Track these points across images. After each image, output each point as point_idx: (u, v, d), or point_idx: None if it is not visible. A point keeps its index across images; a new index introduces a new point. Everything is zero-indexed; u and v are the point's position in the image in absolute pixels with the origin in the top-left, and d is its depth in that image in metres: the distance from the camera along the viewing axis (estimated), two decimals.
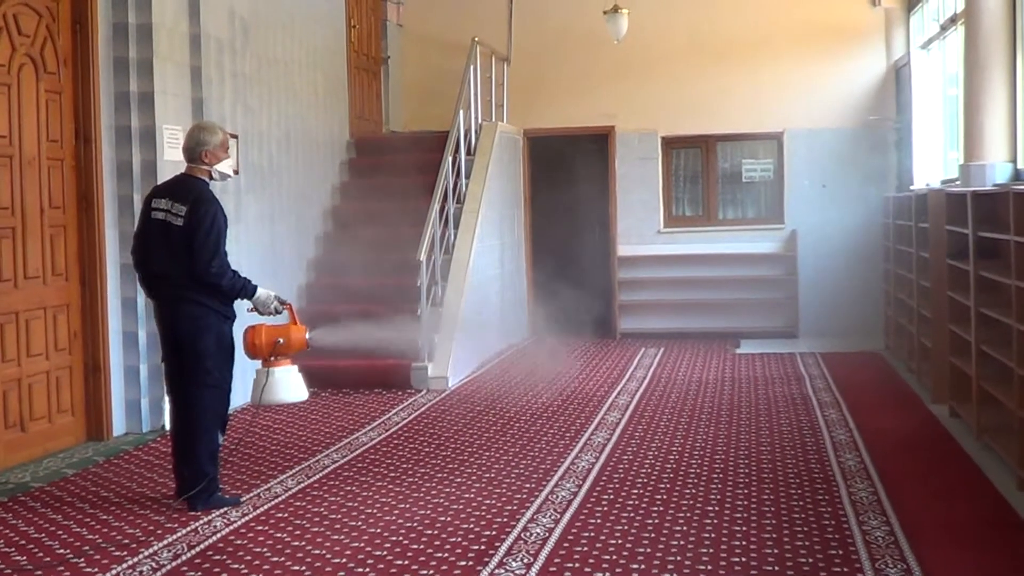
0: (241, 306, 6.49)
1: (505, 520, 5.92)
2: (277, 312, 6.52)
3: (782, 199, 13.55)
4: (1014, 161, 8.43)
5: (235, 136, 9.42)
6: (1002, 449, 6.82)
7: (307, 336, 6.65)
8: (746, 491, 6.39)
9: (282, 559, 5.35)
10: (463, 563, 5.24)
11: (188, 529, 5.86)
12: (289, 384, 6.61)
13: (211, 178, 6.39)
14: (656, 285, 13.62)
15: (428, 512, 6.09)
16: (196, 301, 6.16)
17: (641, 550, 5.37)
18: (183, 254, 6.12)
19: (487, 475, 6.89)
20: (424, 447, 7.73)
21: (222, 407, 6.33)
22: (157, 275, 6.25)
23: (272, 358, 6.52)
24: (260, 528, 5.87)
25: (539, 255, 13.89)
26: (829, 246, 13.26)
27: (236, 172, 8.75)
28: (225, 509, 6.19)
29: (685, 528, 5.71)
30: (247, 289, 6.31)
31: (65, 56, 7.91)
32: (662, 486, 6.54)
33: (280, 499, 6.43)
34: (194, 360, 6.19)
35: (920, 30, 11.88)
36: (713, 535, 5.59)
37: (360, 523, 5.92)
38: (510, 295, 12.99)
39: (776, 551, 5.32)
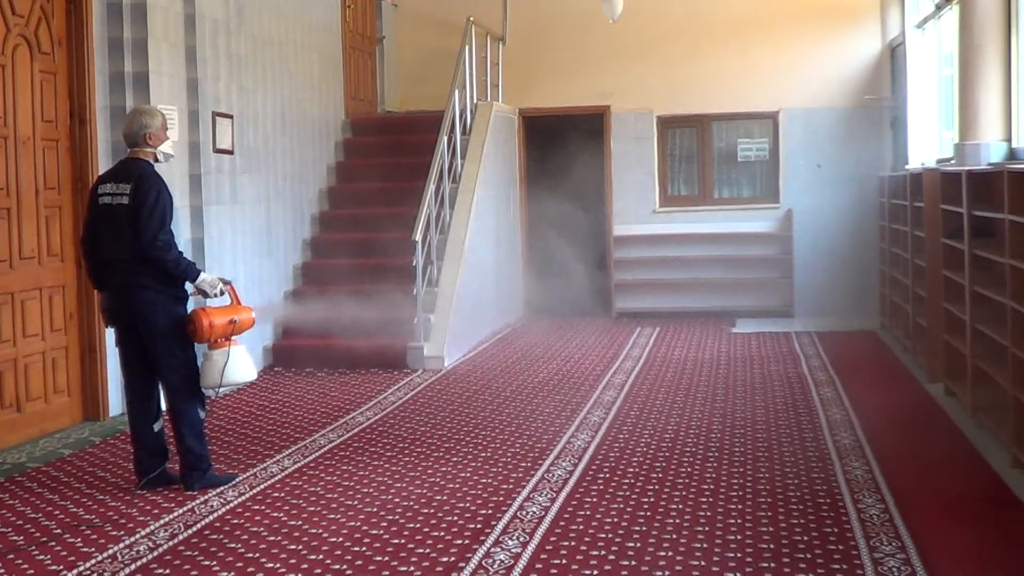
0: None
1: (501, 499, 5.94)
2: (221, 293, 6.45)
3: (777, 178, 13.55)
4: (1009, 140, 8.44)
5: (230, 116, 9.41)
6: (996, 427, 6.85)
7: (253, 315, 6.58)
8: (741, 469, 6.41)
9: (278, 538, 5.37)
10: (459, 542, 5.26)
11: (185, 509, 5.88)
12: (248, 363, 6.50)
13: (155, 160, 6.34)
14: (652, 264, 13.61)
15: (424, 491, 6.11)
16: (147, 286, 6.12)
17: (637, 528, 5.39)
18: (130, 234, 6.07)
19: (483, 454, 6.91)
20: (420, 427, 7.74)
21: (195, 384, 6.30)
22: (108, 261, 6.19)
23: (226, 339, 6.37)
24: (256, 508, 5.88)
25: (534, 235, 13.89)
26: (824, 225, 13.27)
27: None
28: (222, 489, 6.21)
29: (681, 507, 5.73)
30: (191, 271, 6.24)
31: (59, 36, 7.89)
32: (658, 465, 6.56)
33: (276, 479, 6.44)
34: (156, 345, 6.19)
35: (915, 9, 11.84)
36: (709, 513, 5.61)
37: (356, 502, 5.94)
38: (505, 275, 12.99)
39: (771, 529, 5.34)
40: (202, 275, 6.31)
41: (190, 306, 6.45)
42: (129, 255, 6.09)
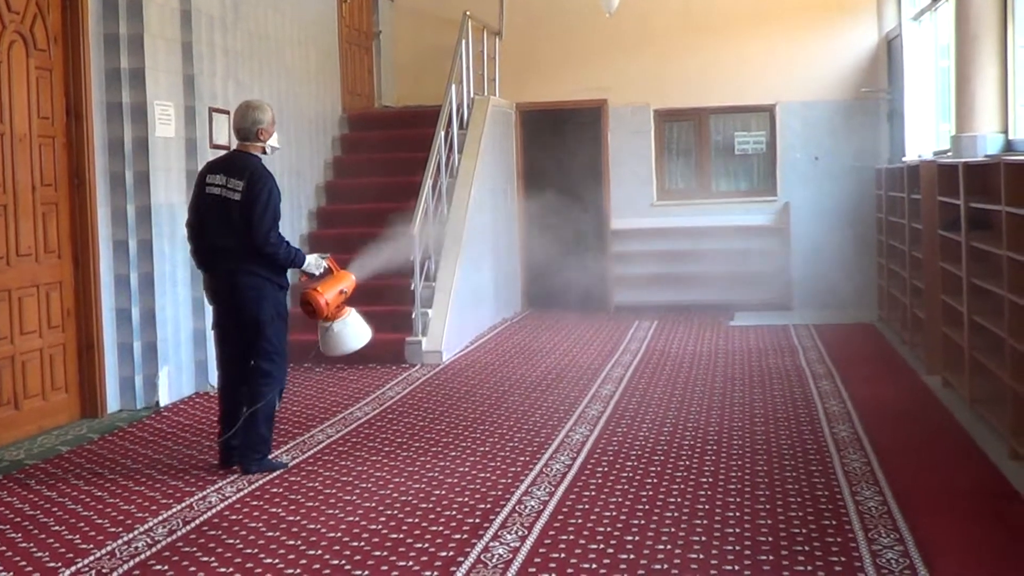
0: (291, 275, 6.78)
1: (500, 493, 5.94)
2: (326, 270, 6.80)
3: (775, 171, 13.55)
4: (1005, 132, 8.43)
5: (226, 112, 9.38)
6: (994, 419, 6.85)
7: (353, 278, 6.94)
8: (740, 463, 6.42)
9: (277, 534, 5.37)
10: (458, 536, 5.26)
11: (183, 505, 5.88)
12: (363, 326, 6.92)
13: (264, 153, 6.66)
14: (650, 258, 13.61)
15: (423, 486, 6.11)
16: (255, 273, 6.43)
17: (635, 522, 5.39)
18: (242, 227, 6.37)
19: (482, 449, 6.92)
20: (418, 421, 7.74)
21: (282, 373, 6.61)
22: (217, 248, 6.48)
23: (338, 308, 6.78)
24: (255, 503, 5.88)
25: (532, 229, 13.85)
26: (822, 218, 13.27)
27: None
28: (219, 485, 6.22)
29: (679, 500, 5.73)
30: (299, 259, 6.59)
31: (55, 33, 7.88)
32: (656, 458, 6.56)
33: (275, 474, 6.44)
34: (256, 331, 6.47)
35: (911, 1, 11.84)
36: (707, 507, 5.61)
37: (355, 497, 5.94)
38: (503, 269, 12.99)
39: (770, 522, 5.35)
40: (307, 259, 6.67)
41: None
42: (240, 244, 6.39)
